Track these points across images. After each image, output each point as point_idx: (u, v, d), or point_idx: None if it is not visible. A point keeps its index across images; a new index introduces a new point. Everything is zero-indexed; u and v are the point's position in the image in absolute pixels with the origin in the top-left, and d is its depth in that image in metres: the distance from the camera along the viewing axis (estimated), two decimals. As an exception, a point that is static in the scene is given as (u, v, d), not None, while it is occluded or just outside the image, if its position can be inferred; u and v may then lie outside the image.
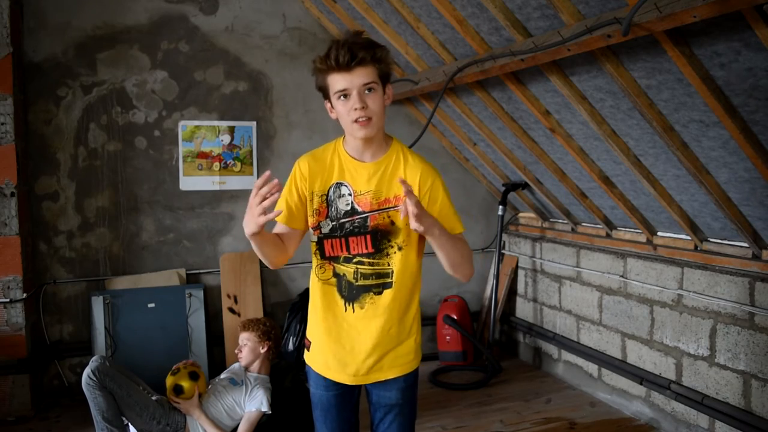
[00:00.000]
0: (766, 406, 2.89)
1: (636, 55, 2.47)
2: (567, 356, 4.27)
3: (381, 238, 1.88)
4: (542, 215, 4.56)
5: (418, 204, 1.69)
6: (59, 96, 3.97)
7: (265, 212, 1.67)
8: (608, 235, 3.90)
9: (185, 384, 3.05)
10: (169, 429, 3.02)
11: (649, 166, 3.09)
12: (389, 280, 1.89)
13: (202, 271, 4.31)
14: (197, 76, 4.24)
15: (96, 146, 4.06)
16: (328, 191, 1.90)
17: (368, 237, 1.88)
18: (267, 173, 1.68)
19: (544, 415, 3.72)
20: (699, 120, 2.55)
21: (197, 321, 4.08)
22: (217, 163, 4.29)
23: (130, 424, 2.99)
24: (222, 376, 3.32)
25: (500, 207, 4.45)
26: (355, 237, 1.88)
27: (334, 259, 1.91)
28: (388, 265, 1.89)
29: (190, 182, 4.26)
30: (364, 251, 1.88)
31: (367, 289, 1.90)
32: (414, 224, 1.70)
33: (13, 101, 3.62)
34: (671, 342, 3.40)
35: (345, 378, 1.96)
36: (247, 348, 3.24)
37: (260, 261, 4.32)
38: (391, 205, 1.87)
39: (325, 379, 1.99)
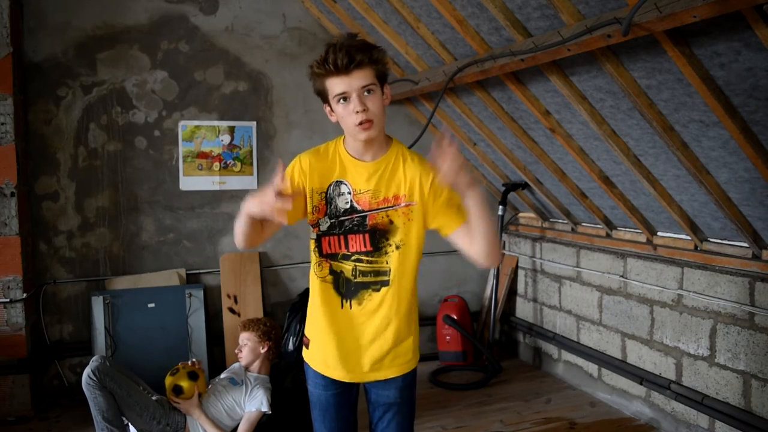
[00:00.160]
0: (766, 406, 2.89)
1: (636, 55, 2.47)
2: (567, 356, 4.27)
3: (379, 236, 1.89)
4: (542, 215, 4.56)
5: (458, 156, 1.64)
6: (59, 96, 3.97)
7: (276, 208, 1.66)
8: (608, 235, 3.90)
9: (184, 384, 3.05)
10: (169, 429, 3.02)
11: (649, 166, 3.09)
12: (386, 278, 1.90)
13: (202, 271, 4.31)
14: (197, 76, 4.24)
15: (96, 146, 4.06)
16: (328, 189, 1.91)
17: (367, 236, 1.89)
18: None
19: (544, 415, 3.72)
20: (699, 120, 2.55)
21: (197, 321, 4.08)
22: (217, 163, 4.29)
23: (130, 424, 2.99)
24: (222, 375, 3.32)
25: (500, 207, 4.45)
26: (354, 235, 1.89)
27: (332, 257, 1.92)
28: (386, 264, 1.90)
29: (190, 182, 4.26)
30: (363, 249, 1.89)
31: (365, 286, 1.91)
32: (452, 174, 1.65)
33: (13, 101, 3.62)
34: (671, 342, 3.40)
35: (343, 376, 1.96)
36: (247, 348, 3.24)
37: (260, 261, 4.37)
38: (390, 205, 1.88)
39: (323, 378, 1.99)
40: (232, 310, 4.25)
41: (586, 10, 2.45)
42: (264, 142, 4.40)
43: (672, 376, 3.40)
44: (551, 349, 4.44)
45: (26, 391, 3.70)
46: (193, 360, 3.23)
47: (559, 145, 3.49)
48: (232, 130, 4.32)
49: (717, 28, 2.09)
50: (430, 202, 1.88)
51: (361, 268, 1.90)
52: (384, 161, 1.89)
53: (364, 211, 1.89)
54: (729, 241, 3.11)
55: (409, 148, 1.99)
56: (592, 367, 4.03)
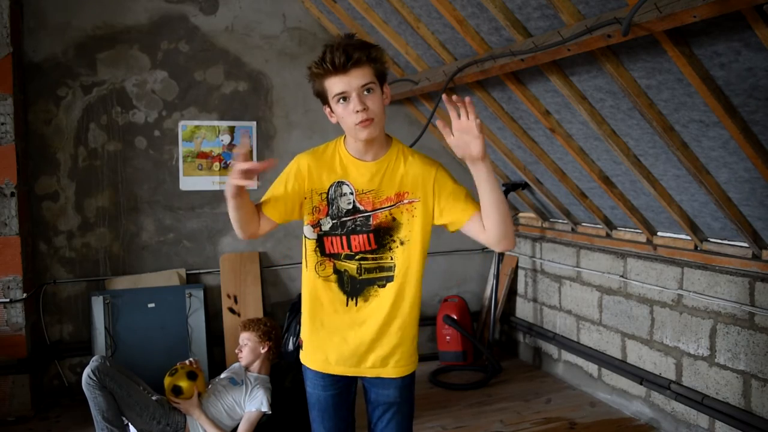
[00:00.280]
0: (766, 406, 2.89)
1: (636, 55, 2.48)
2: (567, 356, 4.27)
3: (383, 234, 1.90)
4: (542, 215, 4.56)
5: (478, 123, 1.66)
6: (59, 96, 3.97)
7: (241, 177, 1.73)
8: (608, 235, 3.90)
9: (183, 384, 3.05)
10: (169, 429, 3.02)
11: (649, 166, 3.09)
12: (391, 273, 1.91)
13: (202, 271, 4.31)
14: (197, 76, 4.24)
15: (96, 146, 4.06)
16: (329, 189, 1.91)
17: (371, 235, 1.89)
18: (273, 161, 1.76)
19: (544, 415, 3.72)
20: (699, 120, 2.55)
21: (197, 321, 4.08)
22: (217, 163, 4.29)
23: (130, 424, 2.99)
24: (222, 375, 3.32)
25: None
26: (357, 235, 1.90)
27: (335, 256, 1.93)
28: (391, 259, 1.90)
29: (190, 182, 4.26)
30: (367, 248, 1.90)
31: (371, 282, 1.91)
32: (475, 135, 1.67)
33: (13, 101, 3.62)
34: (671, 342, 3.41)
35: (346, 370, 1.96)
36: (247, 348, 3.24)
37: (260, 261, 4.37)
38: (392, 203, 1.88)
39: (323, 378, 1.99)
40: (232, 310, 4.25)
41: (586, 10, 2.45)
42: (264, 142, 4.40)
43: (672, 376, 3.40)
44: (551, 349, 4.44)
45: (26, 391, 3.70)
46: (191, 359, 3.22)
47: (559, 145, 3.49)
48: (232, 130, 4.32)
49: (717, 28, 2.09)
50: (435, 199, 1.89)
51: (366, 266, 1.91)
52: (385, 160, 1.90)
53: (367, 212, 1.89)
54: (729, 241, 3.11)
55: (409, 147, 1.99)
56: (592, 367, 4.03)
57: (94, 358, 2.97)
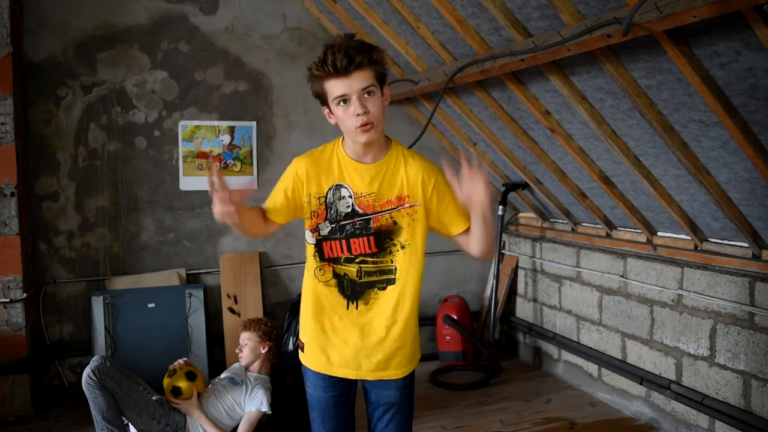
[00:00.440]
0: (766, 406, 2.89)
1: (636, 55, 2.47)
2: (567, 356, 4.27)
3: (384, 237, 1.89)
4: (542, 215, 4.56)
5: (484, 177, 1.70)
6: (59, 96, 3.97)
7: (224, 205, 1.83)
8: (608, 235, 3.90)
9: (183, 385, 3.05)
10: (169, 429, 3.02)
11: (649, 166, 3.09)
12: (393, 276, 1.90)
13: (202, 271, 4.31)
14: (197, 76, 4.24)
15: (96, 146, 4.06)
16: (327, 193, 1.90)
17: (371, 238, 1.88)
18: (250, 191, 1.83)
19: (544, 415, 3.72)
20: (699, 120, 2.55)
21: (197, 321, 4.08)
22: (217, 163, 4.29)
23: (130, 424, 2.99)
24: (222, 375, 3.32)
25: (500, 207, 4.45)
26: (357, 239, 1.89)
27: (334, 261, 1.92)
28: (392, 263, 1.90)
29: (190, 182, 4.26)
30: (367, 251, 1.89)
31: (371, 285, 1.91)
32: (480, 192, 1.69)
33: (13, 101, 3.62)
34: (671, 342, 3.40)
35: (348, 373, 1.96)
36: (247, 348, 3.24)
37: (260, 261, 4.37)
38: (393, 206, 1.88)
39: (323, 379, 1.99)
40: (232, 310, 4.25)
41: (586, 10, 2.45)
42: (264, 142, 4.40)
43: (672, 376, 3.40)
44: (551, 349, 4.44)
45: (26, 391, 3.70)
46: (180, 361, 3.19)
47: (559, 145, 3.49)
48: (232, 130, 4.32)
49: (717, 28, 2.09)
50: (432, 205, 1.89)
51: (366, 269, 1.90)
52: (385, 163, 1.89)
53: (366, 215, 1.88)
54: (729, 241, 3.11)
55: (409, 148, 1.99)
56: (592, 367, 4.03)
57: (94, 358, 2.97)
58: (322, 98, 1.82)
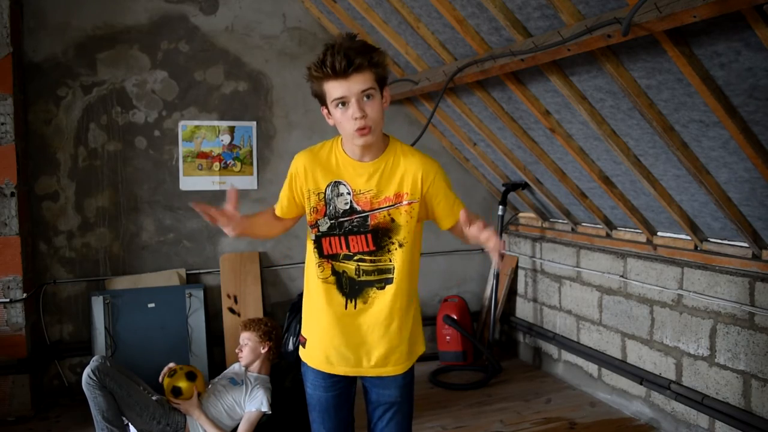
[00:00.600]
0: (766, 406, 2.89)
1: (636, 55, 2.47)
2: (567, 356, 4.27)
3: (382, 236, 1.89)
4: (542, 215, 4.56)
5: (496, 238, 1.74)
6: (59, 96, 3.97)
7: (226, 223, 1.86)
8: (608, 235, 3.90)
9: (183, 385, 3.05)
10: (169, 429, 3.02)
11: (649, 166, 3.09)
12: (391, 275, 1.91)
13: (202, 271, 4.31)
14: (197, 76, 4.24)
15: (96, 146, 4.06)
16: (326, 190, 1.91)
17: (369, 236, 1.89)
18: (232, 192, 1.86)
19: (544, 415, 3.72)
20: (699, 120, 2.55)
21: (197, 321, 4.08)
22: (217, 163, 4.29)
23: (130, 424, 2.99)
24: (222, 375, 3.32)
25: (500, 207, 4.45)
26: (355, 236, 1.89)
27: (333, 257, 1.92)
28: (390, 261, 1.90)
29: (190, 182, 4.26)
30: (365, 249, 1.89)
31: (369, 284, 1.91)
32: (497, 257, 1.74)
33: (13, 101, 3.62)
34: (671, 342, 3.40)
35: (348, 370, 1.96)
36: (247, 348, 3.24)
37: (260, 261, 4.37)
38: (391, 204, 1.88)
39: (324, 379, 1.99)
40: (232, 310, 4.25)
41: (586, 10, 2.45)
42: (264, 142, 4.40)
43: (672, 376, 3.40)
44: (551, 349, 4.44)
45: (26, 391, 3.70)
46: (170, 366, 3.18)
47: (559, 145, 3.49)
48: (232, 130, 4.32)
49: (717, 28, 2.09)
50: (426, 199, 1.90)
51: (364, 267, 1.91)
52: (383, 160, 1.89)
53: (364, 212, 1.88)
54: (729, 241, 3.11)
55: (407, 145, 1.99)
56: (592, 367, 4.03)
57: (94, 358, 2.97)
58: (321, 98, 1.82)
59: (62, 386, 4.01)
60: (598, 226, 3.99)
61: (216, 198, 4.30)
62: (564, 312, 4.29)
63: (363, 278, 1.91)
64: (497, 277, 4.58)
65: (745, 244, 3.00)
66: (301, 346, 2.06)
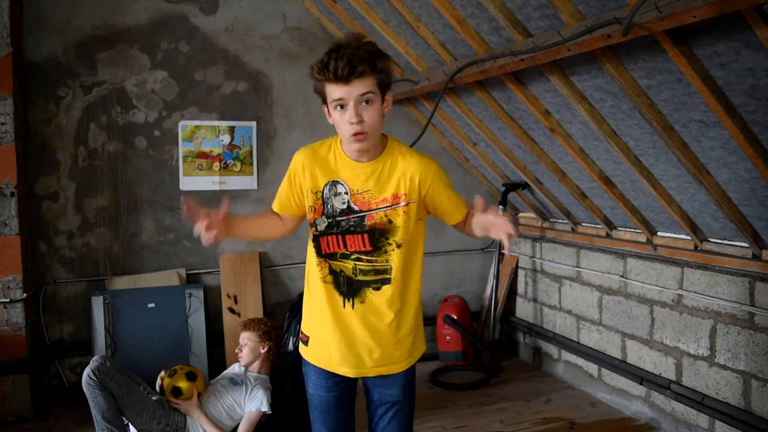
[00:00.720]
0: (766, 406, 2.89)
1: (636, 55, 2.47)
2: (567, 356, 4.27)
3: (379, 236, 1.89)
4: (542, 215, 4.56)
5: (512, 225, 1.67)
6: (59, 96, 3.97)
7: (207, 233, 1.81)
8: (608, 235, 3.90)
9: (183, 385, 3.05)
10: (169, 429, 3.02)
11: (649, 166, 3.09)
12: (388, 276, 1.90)
13: (202, 271, 4.31)
14: (197, 76, 4.24)
15: (96, 146, 4.06)
16: (324, 189, 1.91)
17: (365, 236, 1.89)
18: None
19: (544, 415, 3.72)
20: (699, 120, 2.55)
21: (197, 321, 4.08)
22: (217, 163, 4.29)
23: (130, 424, 2.99)
24: (222, 375, 3.32)
25: (500, 207, 4.45)
26: (352, 235, 1.89)
27: (331, 256, 1.93)
28: (387, 262, 1.90)
29: (190, 182, 4.26)
30: (362, 249, 1.90)
31: (366, 284, 1.91)
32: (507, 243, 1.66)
33: (13, 101, 3.62)
34: (671, 342, 3.41)
35: (349, 371, 1.97)
36: (247, 348, 3.24)
37: (260, 261, 4.37)
38: (389, 204, 1.88)
39: (325, 379, 2.00)
40: (232, 310, 4.25)
41: (586, 10, 2.45)
42: (264, 142, 4.40)
43: (672, 376, 3.40)
44: (551, 349, 4.44)
45: (26, 391, 3.70)
46: (161, 376, 3.16)
47: (559, 145, 3.49)
48: (232, 130, 4.32)
49: (717, 28, 2.09)
50: (428, 199, 1.90)
51: (361, 267, 1.91)
52: (381, 161, 1.89)
53: (361, 212, 1.88)
54: (729, 241, 3.11)
55: (406, 146, 1.99)
56: (592, 367, 4.03)
57: (94, 358, 2.97)
58: (322, 97, 1.82)
59: (62, 386, 4.01)
60: (598, 226, 3.99)
61: (216, 198, 4.31)
62: (564, 312, 4.29)
63: (360, 278, 1.91)
64: (497, 277, 4.58)
65: (745, 244, 3.00)
66: (302, 344, 2.06)
